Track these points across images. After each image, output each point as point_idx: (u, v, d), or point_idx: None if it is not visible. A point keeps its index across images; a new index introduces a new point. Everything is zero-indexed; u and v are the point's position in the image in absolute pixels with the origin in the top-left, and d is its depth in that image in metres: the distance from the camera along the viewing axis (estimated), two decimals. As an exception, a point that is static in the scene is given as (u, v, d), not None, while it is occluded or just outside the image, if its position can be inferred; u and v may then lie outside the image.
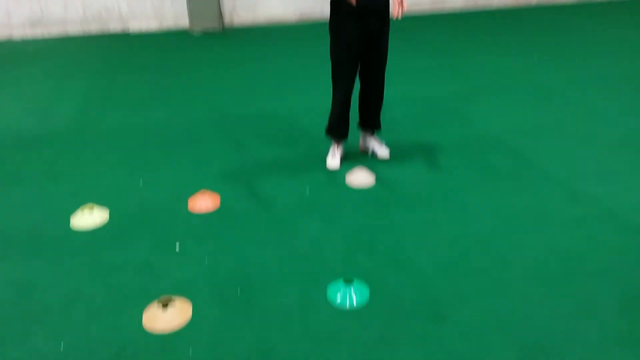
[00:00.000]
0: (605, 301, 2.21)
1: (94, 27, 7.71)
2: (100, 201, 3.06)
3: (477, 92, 4.79)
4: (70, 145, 3.91)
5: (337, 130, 3.42)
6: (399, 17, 3.00)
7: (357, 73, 3.28)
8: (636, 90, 4.68)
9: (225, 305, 2.23)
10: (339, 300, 2.23)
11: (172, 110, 4.61)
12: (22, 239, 2.74)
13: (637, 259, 2.46)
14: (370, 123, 3.52)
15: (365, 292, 2.27)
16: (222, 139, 3.94)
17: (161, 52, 6.68)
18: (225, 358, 1.98)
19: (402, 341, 2.03)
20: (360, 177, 3.25)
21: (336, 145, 3.48)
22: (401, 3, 2.99)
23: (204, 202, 3.01)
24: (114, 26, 7.78)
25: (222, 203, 3.03)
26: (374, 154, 3.55)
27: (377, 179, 3.26)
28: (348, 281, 2.29)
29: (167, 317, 2.15)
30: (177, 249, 2.62)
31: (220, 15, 7.75)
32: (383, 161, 3.49)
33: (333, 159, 3.43)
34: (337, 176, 3.31)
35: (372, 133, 3.57)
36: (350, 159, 3.53)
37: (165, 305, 2.18)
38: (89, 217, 2.88)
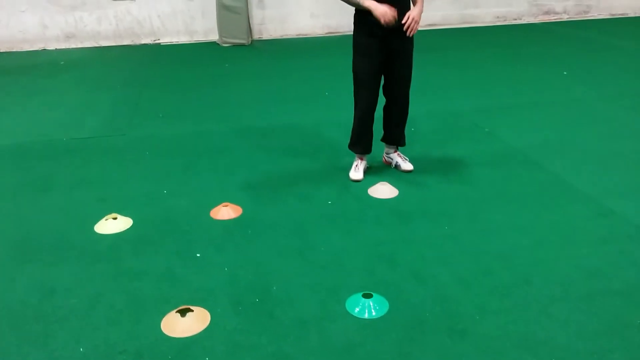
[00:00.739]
0: (631, 321, 2.13)
1: (126, 42, 7.90)
2: (124, 208, 3.11)
3: (504, 107, 4.74)
4: (97, 153, 3.99)
5: (358, 145, 3.44)
6: (410, 34, 3.04)
7: (381, 89, 3.29)
8: (669, 107, 4.57)
9: (244, 315, 2.23)
10: (357, 313, 2.21)
11: (198, 120, 4.68)
12: (47, 244, 2.80)
13: (668, 279, 2.38)
14: (394, 139, 3.53)
15: (385, 306, 2.25)
16: (246, 150, 3.98)
17: (190, 63, 6.80)
18: (241, 367, 1.97)
19: (421, 355, 1.99)
20: (383, 190, 3.23)
21: (359, 159, 3.48)
22: (415, 20, 3.02)
23: (226, 213, 3.03)
24: (146, 41, 7.96)
25: (244, 213, 3.05)
26: (397, 167, 3.54)
27: (400, 192, 3.24)
28: (367, 296, 2.27)
29: (185, 325, 2.16)
30: (198, 256, 2.64)
31: (250, 29, 7.86)
32: (406, 174, 3.47)
33: (356, 172, 3.43)
34: (360, 188, 3.30)
35: (396, 149, 3.58)
36: (374, 170, 3.52)
37: (183, 314, 2.19)
38: (112, 224, 2.93)
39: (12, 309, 2.31)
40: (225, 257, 2.64)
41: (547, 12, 8.79)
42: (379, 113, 3.40)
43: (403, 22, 3.01)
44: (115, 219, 2.97)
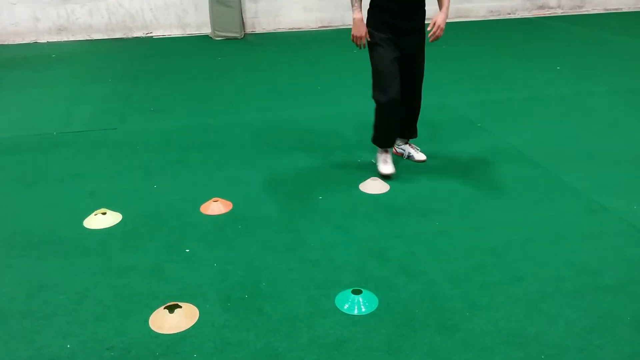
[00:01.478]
0: (621, 317, 2.13)
1: (118, 35, 7.84)
2: (114, 203, 3.09)
3: (496, 102, 4.73)
4: (88, 148, 3.96)
5: (384, 139, 3.35)
6: (432, 40, 3.06)
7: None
8: (662, 103, 4.57)
9: (233, 311, 2.22)
10: (346, 309, 2.20)
11: (190, 114, 4.65)
12: (36, 239, 2.78)
13: (658, 275, 2.38)
14: (407, 133, 3.56)
15: (374, 302, 2.24)
16: (237, 145, 3.95)
17: (182, 57, 6.75)
18: (229, 364, 1.96)
19: (411, 351, 1.99)
20: (374, 185, 3.21)
21: (385, 152, 3.40)
22: (440, 27, 3.03)
23: (216, 208, 3.01)
24: (138, 34, 7.90)
25: (234, 208, 3.03)
26: (410, 158, 3.58)
27: (391, 187, 3.23)
28: (356, 292, 2.26)
29: (173, 322, 2.14)
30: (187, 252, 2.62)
31: (242, 23, 7.81)
32: (398, 169, 3.45)
33: (386, 165, 3.34)
34: (351, 184, 3.28)
35: (407, 140, 3.62)
36: (365, 165, 3.50)
37: (171, 310, 2.17)
38: (102, 220, 2.90)
39: (-2, 305, 2.28)
40: (215, 252, 2.62)
41: (541, 7, 8.77)
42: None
43: (428, 29, 3.04)
44: (104, 214, 2.94)
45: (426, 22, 3.20)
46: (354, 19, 3.06)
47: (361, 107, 4.62)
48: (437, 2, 3.17)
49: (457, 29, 7.99)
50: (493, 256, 2.54)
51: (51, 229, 2.87)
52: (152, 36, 7.92)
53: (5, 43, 7.62)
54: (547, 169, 3.42)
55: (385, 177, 3.30)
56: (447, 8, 3.12)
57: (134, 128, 4.34)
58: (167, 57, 6.80)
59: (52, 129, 4.33)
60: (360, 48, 3.15)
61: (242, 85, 5.47)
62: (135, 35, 7.90)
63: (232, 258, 2.57)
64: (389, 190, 3.19)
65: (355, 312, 2.18)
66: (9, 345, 2.06)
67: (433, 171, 3.44)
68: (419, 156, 3.55)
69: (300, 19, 8.18)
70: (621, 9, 8.96)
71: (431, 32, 3.03)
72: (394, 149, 3.63)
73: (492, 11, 8.67)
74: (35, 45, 7.58)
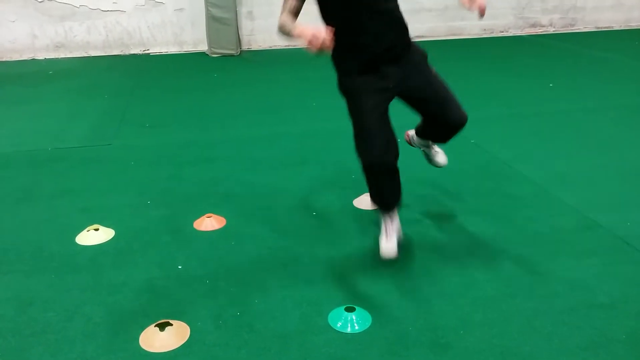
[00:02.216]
0: (616, 335, 2.12)
1: (115, 52, 7.87)
2: (107, 219, 3.07)
3: (490, 118, 4.75)
4: (82, 163, 3.95)
5: (380, 202, 2.65)
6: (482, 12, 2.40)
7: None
8: (654, 120, 4.61)
9: (224, 328, 2.19)
10: (339, 327, 2.18)
11: (185, 130, 4.65)
12: (26, 254, 2.75)
13: (651, 292, 2.37)
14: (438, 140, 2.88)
15: (367, 320, 2.22)
16: (232, 160, 3.95)
17: (178, 74, 6.78)
18: (219, 382, 1.93)
19: (402, 370, 1.97)
20: (369, 201, 3.21)
21: (389, 219, 2.62)
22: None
23: (209, 224, 3.00)
24: (135, 51, 7.93)
25: (227, 224, 3.02)
26: (429, 159, 3.06)
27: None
28: (350, 310, 2.24)
29: (164, 340, 2.12)
30: (179, 268, 2.60)
31: (239, 40, 7.86)
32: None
33: (387, 242, 2.56)
34: (345, 199, 3.27)
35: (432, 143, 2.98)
36: (360, 182, 3.50)
37: (162, 328, 2.15)
38: (94, 236, 2.88)
39: (-13, 322, 2.25)
40: (207, 269, 2.61)
41: (533, 25, 8.87)
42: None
43: (474, 9, 2.35)
44: (97, 230, 2.92)
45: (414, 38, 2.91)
46: (299, 34, 2.20)
47: (356, 123, 4.64)
48: None
49: (450, 47, 8.06)
50: (486, 273, 2.53)
51: (42, 244, 2.84)
52: (149, 53, 7.96)
53: (3, 59, 7.64)
54: (540, 185, 3.42)
55: (387, 259, 2.58)
56: None
57: (128, 144, 4.34)
58: (163, 73, 6.83)
59: (47, 145, 4.32)
60: (323, 51, 2.18)
61: (238, 101, 5.49)
62: (132, 52, 7.93)
63: (225, 275, 2.56)
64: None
65: (349, 329, 2.17)
66: (-4, 363, 2.03)
67: (426, 187, 3.44)
68: (441, 159, 3.02)
69: (296, 37, 8.24)
70: (612, 27, 9.07)
71: (481, 11, 2.38)
72: (406, 137, 3.09)
73: (485, 29, 8.75)
74: (32, 61, 7.60)
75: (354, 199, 3.26)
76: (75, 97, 5.74)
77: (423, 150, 3.04)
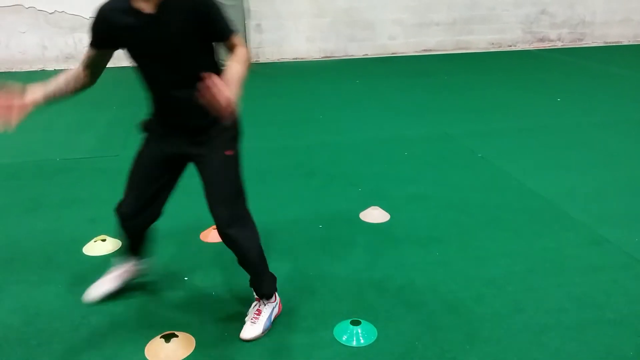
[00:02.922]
0: (623, 352, 2.10)
1: (124, 63, 7.94)
2: (114, 230, 3.07)
3: (497, 132, 4.75)
4: (89, 174, 3.98)
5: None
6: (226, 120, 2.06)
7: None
8: (662, 135, 4.59)
9: (229, 340, 2.19)
10: (345, 340, 2.17)
11: (193, 143, 4.67)
12: (34, 265, 2.76)
13: (660, 309, 2.35)
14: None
15: (373, 334, 2.21)
16: (239, 173, 3.96)
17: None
18: (224, 395, 1.93)
19: (408, 386, 1.95)
20: (375, 214, 3.21)
21: (120, 265, 2.50)
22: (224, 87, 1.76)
23: (216, 235, 3.00)
24: (144, 61, 8.02)
25: (234, 236, 3.02)
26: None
27: (391, 216, 3.22)
28: (355, 323, 2.23)
29: (169, 351, 2.12)
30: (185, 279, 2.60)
31: (246, 52, 7.93)
32: (398, 199, 3.44)
33: (97, 286, 2.45)
34: (351, 212, 3.27)
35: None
36: (365, 194, 3.50)
37: (167, 339, 2.15)
38: (101, 246, 2.90)
39: (-7, 332, 2.26)
40: (213, 280, 2.61)
41: (541, 40, 8.89)
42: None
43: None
44: (104, 240, 2.94)
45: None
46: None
47: (362, 137, 4.65)
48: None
49: (458, 61, 8.08)
50: (493, 287, 2.52)
51: (50, 255, 2.86)
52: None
53: (13, 70, 7.73)
54: (547, 200, 3.41)
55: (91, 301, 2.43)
56: (238, 73, 1.93)
57: (135, 155, 4.35)
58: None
59: (56, 155, 4.35)
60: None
61: (245, 113, 5.48)
62: (140, 63, 8.01)
63: (231, 286, 2.56)
64: (389, 220, 3.18)
65: (354, 343, 2.15)
66: (2, 373, 2.04)
67: (433, 200, 3.43)
68: (245, 332, 2.18)
69: (304, 49, 8.29)
70: (621, 42, 9.07)
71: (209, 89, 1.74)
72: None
73: (492, 43, 8.78)
74: (42, 72, 7.68)
75: (361, 212, 3.26)
76: (84, 108, 5.78)
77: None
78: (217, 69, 2.06)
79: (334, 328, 2.24)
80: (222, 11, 2.01)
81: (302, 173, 3.92)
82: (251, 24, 7.99)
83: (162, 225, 3.15)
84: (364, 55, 8.36)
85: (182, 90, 2.05)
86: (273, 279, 2.32)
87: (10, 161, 4.25)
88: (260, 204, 3.41)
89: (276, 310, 2.30)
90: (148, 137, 2.31)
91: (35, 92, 2.15)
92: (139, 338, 2.20)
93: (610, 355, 2.08)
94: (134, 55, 2.08)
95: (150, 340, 2.18)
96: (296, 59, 8.30)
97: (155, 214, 2.37)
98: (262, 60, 8.21)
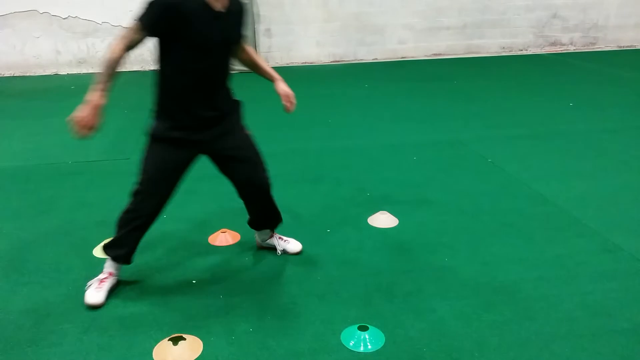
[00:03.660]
0: (637, 361, 2.07)
1: (136, 67, 8.01)
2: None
3: (508, 138, 4.72)
4: (101, 177, 4.00)
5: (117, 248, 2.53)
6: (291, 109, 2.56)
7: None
8: (676, 141, 4.53)
9: (237, 345, 2.19)
10: (352, 345, 2.16)
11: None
12: (45, 266, 2.78)
13: (674, 318, 2.31)
14: (266, 221, 2.79)
15: (381, 339, 2.19)
16: (248, 176, 3.96)
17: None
18: (231, 400, 1.92)
19: (416, 392, 1.93)
20: (383, 219, 3.20)
21: (109, 272, 2.54)
22: (293, 95, 2.54)
23: (224, 239, 3.01)
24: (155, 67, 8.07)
25: (242, 239, 3.02)
26: (285, 252, 2.84)
27: (400, 221, 3.20)
28: (363, 329, 2.22)
29: (176, 354, 2.12)
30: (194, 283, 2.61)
31: (257, 56, 7.97)
32: (407, 204, 3.43)
33: (96, 292, 2.45)
34: (359, 217, 3.26)
35: (272, 232, 2.86)
36: (374, 198, 3.48)
37: (175, 342, 2.15)
38: (111, 249, 2.91)
39: (5, 332, 2.28)
40: (221, 284, 2.61)
41: (553, 44, 8.83)
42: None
43: (286, 103, 2.55)
44: (113, 243, 2.94)
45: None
46: (88, 96, 2.27)
47: (371, 142, 4.64)
48: (263, 74, 2.67)
49: (468, 65, 8.05)
50: (503, 294, 2.49)
51: (61, 257, 2.88)
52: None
53: (27, 74, 7.83)
54: (559, 206, 3.38)
55: (91, 307, 2.42)
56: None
57: (147, 158, 4.38)
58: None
59: (68, 158, 4.39)
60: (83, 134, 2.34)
61: (253, 117, 5.50)
62: (152, 68, 8.06)
63: (238, 290, 2.55)
64: (397, 225, 3.17)
65: (361, 349, 2.14)
66: (11, 374, 2.05)
67: (443, 205, 3.41)
68: (294, 246, 2.83)
69: (313, 54, 8.31)
70: (634, 46, 8.99)
71: (291, 107, 2.58)
72: (257, 244, 2.90)
73: (504, 47, 8.74)
74: (55, 77, 7.77)
75: (369, 216, 3.25)
76: (97, 111, 5.83)
77: (280, 248, 2.83)
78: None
79: (341, 333, 2.23)
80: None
81: (311, 177, 3.92)
82: (260, 28, 8.02)
83: (171, 228, 3.18)
84: (373, 59, 8.36)
85: (220, 85, 2.36)
86: None
87: (22, 164, 4.29)
88: (270, 208, 3.41)
89: None
90: (164, 143, 2.38)
91: (95, 94, 2.27)
92: (147, 340, 2.21)
93: (622, 365, 2.05)
94: (192, 47, 2.17)
95: (158, 342, 2.19)
96: (305, 63, 8.32)
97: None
98: (271, 64, 8.23)
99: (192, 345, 2.17)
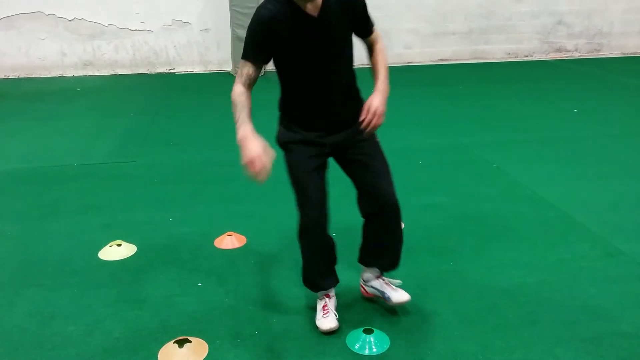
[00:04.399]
0: (640, 366, 2.07)
1: (142, 70, 8.05)
2: (129, 235, 3.11)
3: (513, 142, 4.73)
4: (106, 180, 4.02)
5: (311, 278, 2.39)
6: (369, 132, 2.18)
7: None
8: (681, 146, 4.53)
9: (242, 347, 2.20)
10: (357, 348, 2.17)
11: (208, 148, 4.71)
12: (50, 269, 2.80)
13: (678, 323, 2.31)
14: (376, 261, 2.46)
15: (386, 342, 2.20)
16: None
17: (203, 92, 6.90)
18: (236, 401, 1.93)
19: (420, 396, 1.94)
20: (388, 223, 3.20)
21: (326, 297, 2.39)
22: (379, 112, 2.11)
23: (230, 242, 3.02)
24: (161, 70, 8.11)
25: (248, 242, 3.04)
26: (387, 300, 2.39)
27: (404, 226, 3.20)
28: (368, 331, 2.23)
29: (182, 356, 2.13)
30: (199, 286, 2.62)
31: (262, 60, 7.99)
32: (412, 208, 3.43)
33: (324, 318, 2.30)
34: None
35: (381, 274, 2.48)
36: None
37: (181, 345, 2.16)
38: (116, 251, 2.93)
39: (9, 335, 2.29)
40: (227, 287, 2.62)
41: (558, 50, 8.84)
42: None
43: (362, 118, 2.11)
44: (119, 245, 2.97)
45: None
46: (238, 137, 2.15)
47: (377, 145, 4.65)
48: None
49: (474, 70, 8.06)
50: (507, 298, 2.50)
51: (66, 259, 2.89)
52: (175, 72, 8.12)
53: (33, 76, 7.87)
54: (562, 211, 3.38)
55: (326, 333, 2.27)
56: (385, 82, 2.17)
57: (152, 161, 4.41)
58: (188, 92, 6.95)
59: (73, 161, 4.41)
60: (258, 179, 2.12)
61: (260, 120, 5.51)
62: (158, 71, 8.10)
63: (244, 293, 2.57)
64: (402, 229, 3.17)
65: (367, 352, 2.15)
66: (18, 375, 2.06)
67: (447, 210, 3.42)
68: (399, 296, 2.36)
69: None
70: (638, 53, 8.99)
71: (366, 122, 2.11)
72: (362, 289, 2.54)
73: (509, 53, 8.75)
74: (61, 79, 7.81)
75: (374, 220, 3.26)
76: (102, 114, 5.87)
77: (383, 294, 2.41)
78: (354, 71, 2.25)
79: (346, 336, 2.24)
80: (367, 6, 2.14)
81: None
82: (267, 32, 8.05)
83: (176, 231, 3.19)
84: (378, 64, 8.37)
85: (340, 89, 2.19)
86: None
87: (28, 166, 4.32)
88: (275, 212, 3.44)
89: None
90: (296, 145, 2.30)
91: (243, 128, 2.17)
92: (153, 343, 2.22)
93: (626, 369, 2.05)
94: (296, 57, 2.09)
95: (163, 345, 2.20)
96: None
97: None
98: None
99: (198, 348, 2.18)
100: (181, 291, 2.59)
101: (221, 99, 6.49)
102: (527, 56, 8.78)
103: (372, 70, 2.25)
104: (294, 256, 2.89)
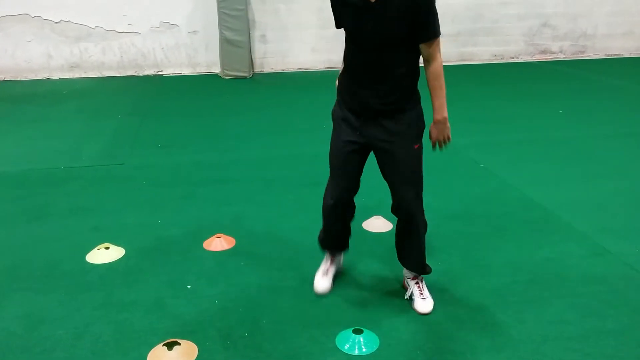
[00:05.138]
0: (626, 363, 2.10)
1: (129, 72, 8.01)
2: (118, 238, 3.10)
3: (500, 143, 4.77)
4: (94, 182, 4.00)
5: (323, 238, 2.65)
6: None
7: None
8: (664, 147, 4.60)
9: (232, 349, 2.20)
10: (347, 349, 2.18)
11: (197, 151, 4.70)
12: (37, 272, 2.78)
13: (662, 320, 2.35)
14: (407, 261, 2.52)
15: (375, 342, 2.21)
16: (243, 181, 3.98)
17: (191, 95, 6.88)
18: (226, 403, 1.93)
19: (410, 395, 1.95)
20: (377, 223, 3.22)
21: (329, 260, 2.64)
22: (446, 137, 2.35)
23: (219, 244, 3.02)
24: (149, 72, 8.07)
25: (237, 244, 3.04)
26: (410, 301, 2.48)
27: (394, 225, 3.22)
28: (357, 332, 2.24)
29: (172, 359, 2.12)
30: (188, 288, 2.62)
31: (251, 62, 7.98)
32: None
33: (322, 278, 2.57)
34: (354, 222, 3.27)
35: (416, 276, 2.52)
36: (367, 203, 3.51)
37: (170, 347, 2.16)
38: (104, 254, 2.91)
39: (-3, 339, 2.27)
40: (216, 289, 2.62)
41: (543, 52, 8.93)
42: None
43: (433, 145, 2.33)
44: (107, 248, 2.95)
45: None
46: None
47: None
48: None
49: (461, 72, 8.12)
50: (495, 297, 2.52)
51: (53, 262, 2.87)
52: (163, 74, 8.09)
53: (19, 79, 7.80)
54: (549, 211, 3.42)
55: (319, 295, 2.52)
56: (440, 112, 2.27)
57: (140, 163, 4.39)
58: (176, 94, 6.93)
59: (60, 164, 4.38)
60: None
61: (250, 122, 5.55)
62: (146, 73, 8.07)
63: (233, 295, 2.57)
64: (391, 229, 3.19)
65: (356, 352, 2.16)
66: (5, 379, 2.05)
67: (436, 211, 3.44)
68: (420, 305, 2.41)
69: (308, 60, 8.34)
70: (623, 54, 9.10)
71: (438, 146, 2.37)
72: (404, 282, 2.60)
73: (495, 55, 8.82)
74: (47, 81, 7.75)
75: (363, 221, 3.27)
76: (89, 116, 5.83)
77: (409, 294, 2.50)
78: (416, 71, 2.25)
79: (336, 337, 2.25)
80: (434, 13, 2.10)
81: (308, 182, 3.94)
82: (256, 34, 8.05)
83: (165, 234, 3.19)
84: (367, 66, 8.39)
85: (386, 77, 2.19)
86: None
87: (15, 169, 4.28)
88: (266, 213, 3.44)
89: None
90: (338, 122, 2.40)
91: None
92: (142, 346, 2.21)
93: (612, 366, 2.08)
94: (349, 38, 2.24)
95: (152, 348, 2.19)
96: (300, 69, 8.35)
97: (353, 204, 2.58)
98: (266, 70, 8.26)
99: (187, 350, 2.18)
100: (170, 294, 2.58)
101: (210, 102, 6.50)
102: (512, 58, 8.86)
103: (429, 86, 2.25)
104: (284, 257, 2.90)
